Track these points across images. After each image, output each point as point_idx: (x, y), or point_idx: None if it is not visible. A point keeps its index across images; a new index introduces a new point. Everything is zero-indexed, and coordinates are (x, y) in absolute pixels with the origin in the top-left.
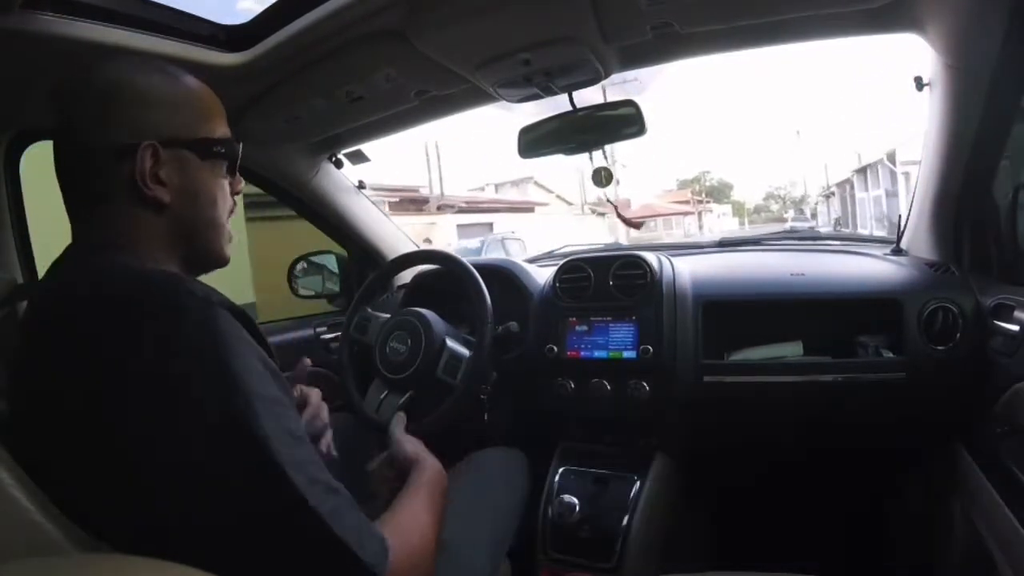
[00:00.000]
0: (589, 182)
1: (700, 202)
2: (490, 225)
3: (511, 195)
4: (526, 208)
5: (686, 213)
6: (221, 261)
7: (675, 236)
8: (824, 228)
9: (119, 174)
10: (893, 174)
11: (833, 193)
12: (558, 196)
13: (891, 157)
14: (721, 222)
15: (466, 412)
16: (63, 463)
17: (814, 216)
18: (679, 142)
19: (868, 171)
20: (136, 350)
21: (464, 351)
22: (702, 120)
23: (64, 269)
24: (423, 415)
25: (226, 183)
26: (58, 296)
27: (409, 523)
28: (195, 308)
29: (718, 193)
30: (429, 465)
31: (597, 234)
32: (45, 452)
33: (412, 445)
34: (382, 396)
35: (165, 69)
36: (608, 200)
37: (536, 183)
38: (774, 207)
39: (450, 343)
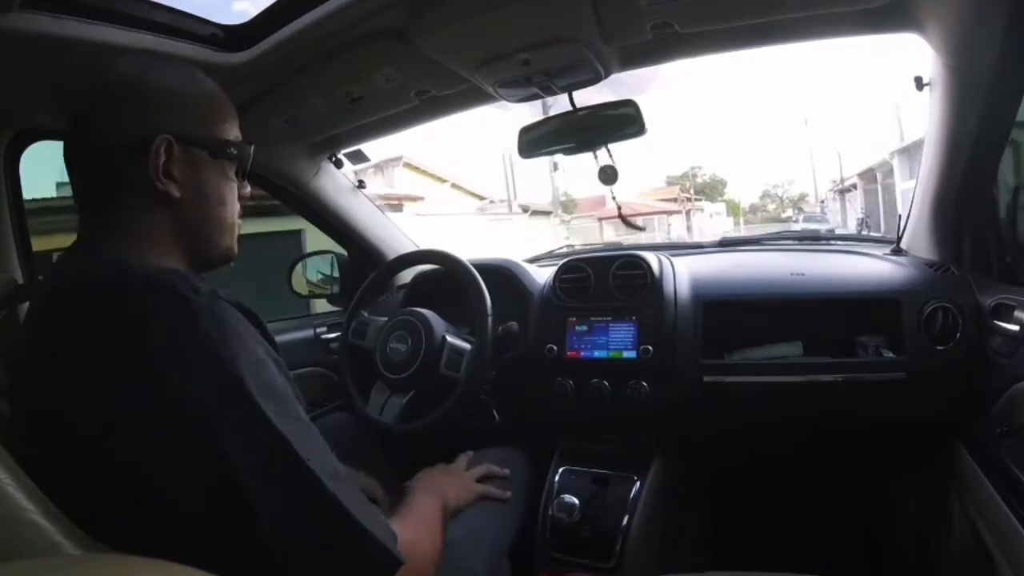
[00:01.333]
0: (520, 171)
1: (689, 200)
2: (299, 233)
3: (374, 184)
4: (386, 205)
5: (671, 212)
6: (228, 257)
7: (659, 240)
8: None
9: (132, 169)
10: None
11: (853, 187)
12: (454, 185)
13: None
14: (714, 223)
15: (471, 407)
16: (63, 462)
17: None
18: (669, 135)
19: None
20: (139, 348)
21: (465, 345)
22: (694, 111)
23: (68, 268)
24: (427, 414)
25: (235, 186)
26: (60, 295)
27: (417, 520)
28: (200, 302)
29: (710, 191)
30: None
31: (535, 244)
32: (45, 452)
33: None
34: (385, 398)
35: (180, 66)
36: (613, 197)
37: (408, 164)
38: (771, 206)
39: (451, 339)
